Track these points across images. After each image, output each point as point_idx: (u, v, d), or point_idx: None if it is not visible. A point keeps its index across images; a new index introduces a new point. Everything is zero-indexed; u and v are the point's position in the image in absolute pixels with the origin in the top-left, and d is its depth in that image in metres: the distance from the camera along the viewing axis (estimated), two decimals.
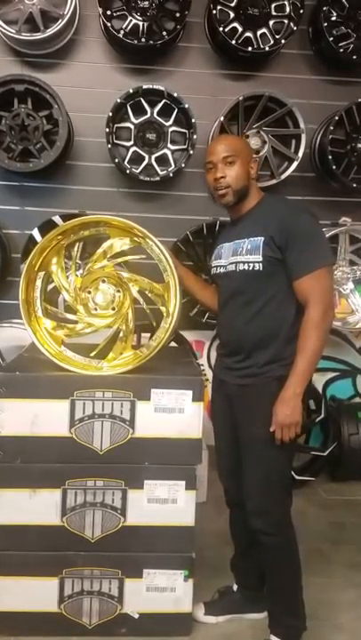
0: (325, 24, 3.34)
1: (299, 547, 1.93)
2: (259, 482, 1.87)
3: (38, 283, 1.98)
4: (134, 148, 3.35)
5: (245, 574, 2.15)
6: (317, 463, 3.36)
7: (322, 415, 3.36)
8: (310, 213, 1.90)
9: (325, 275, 1.81)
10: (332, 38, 3.35)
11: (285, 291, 1.85)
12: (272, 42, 3.31)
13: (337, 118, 3.31)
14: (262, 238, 1.84)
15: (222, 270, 1.99)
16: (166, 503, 1.94)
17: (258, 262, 1.84)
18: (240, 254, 1.89)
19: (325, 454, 3.32)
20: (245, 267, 1.87)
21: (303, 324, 1.79)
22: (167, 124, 3.34)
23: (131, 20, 3.26)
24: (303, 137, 3.36)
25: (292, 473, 3.18)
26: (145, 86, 3.24)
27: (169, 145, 3.36)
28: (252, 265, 1.86)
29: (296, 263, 1.81)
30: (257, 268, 1.84)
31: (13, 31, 3.17)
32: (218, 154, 1.92)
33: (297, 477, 3.23)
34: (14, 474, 1.92)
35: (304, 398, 1.81)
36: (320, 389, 3.58)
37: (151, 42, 3.25)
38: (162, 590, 1.98)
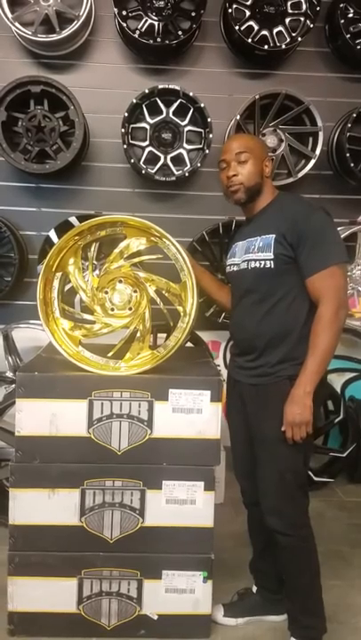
0: (342, 21, 3.31)
1: (317, 549, 1.91)
2: (273, 481, 1.85)
3: (56, 283, 1.98)
4: (150, 149, 3.35)
5: (265, 576, 2.14)
6: (336, 464, 3.33)
7: (341, 416, 3.33)
8: (324, 211, 1.87)
9: (338, 272, 1.79)
10: (349, 35, 3.32)
11: (297, 289, 1.83)
12: (288, 40, 3.29)
13: (355, 115, 3.28)
14: (274, 236, 1.83)
15: (235, 268, 1.99)
16: (185, 504, 1.94)
17: (269, 260, 1.83)
18: (252, 252, 1.89)
19: (344, 455, 3.29)
20: (257, 264, 1.86)
21: (315, 322, 1.77)
22: (183, 123, 3.33)
23: (146, 20, 3.26)
24: (320, 135, 3.33)
25: (311, 474, 3.16)
26: (160, 86, 3.23)
27: (185, 145, 3.34)
28: (263, 262, 1.84)
29: (308, 261, 1.79)
30: (268, 265, 1.83)
31: (29, 32, 3.18)
32: (231, 152, 1.92)
33: (315, 479, 3.21)
34: (33, 474, 1.93)
35: (318, 398, 1.79)
36: (339, 390, 3.53)
37: (167, 41, 3.23)
38: (181, 592, 1.97)
